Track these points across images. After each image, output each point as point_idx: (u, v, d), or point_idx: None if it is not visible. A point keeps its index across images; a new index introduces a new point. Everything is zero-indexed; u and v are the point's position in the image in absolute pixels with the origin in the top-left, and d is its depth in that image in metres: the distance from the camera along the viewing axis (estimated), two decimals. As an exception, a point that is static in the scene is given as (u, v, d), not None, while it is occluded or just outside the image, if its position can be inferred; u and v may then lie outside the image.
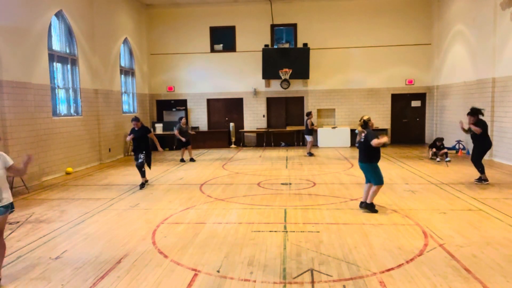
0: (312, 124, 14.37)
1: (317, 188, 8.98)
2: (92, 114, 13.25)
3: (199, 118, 18.56)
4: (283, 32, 18.32)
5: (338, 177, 10.25)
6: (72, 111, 12.40)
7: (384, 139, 6.68)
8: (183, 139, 13.45)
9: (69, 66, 12.21)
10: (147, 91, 18.18)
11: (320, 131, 17.16)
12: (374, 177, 6.79)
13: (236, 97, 18.37)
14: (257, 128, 18.36)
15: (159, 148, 10.26)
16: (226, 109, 18.67)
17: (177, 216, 6.89)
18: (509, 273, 4.38)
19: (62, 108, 11.98)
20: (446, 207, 7.12)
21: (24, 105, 9.74)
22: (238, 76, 18.14)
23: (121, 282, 4.37)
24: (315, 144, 16.75)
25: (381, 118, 17.66)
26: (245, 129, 18.40)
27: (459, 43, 14.76)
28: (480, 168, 8.97)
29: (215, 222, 6.47)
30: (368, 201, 6.88)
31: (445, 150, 12.61)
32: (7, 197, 4.40)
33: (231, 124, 18.03)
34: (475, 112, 8.81)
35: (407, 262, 4.72)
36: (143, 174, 9.47)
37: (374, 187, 6.82)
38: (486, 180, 8.98)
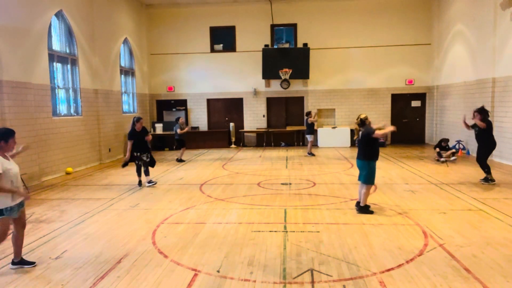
0: (314, 117, 14.36)
1: (317, 188, 8.98)
2: (92, 114, 13.25)
3: (199, 118, 18.55)
4: (283, 32, 18.32)
5: (338, 177, 10.25)
6: (72, 111, 12.40)
7: (389, 128, 6.60)
8: (189, 130, 13.17)
9: (69, 66, 12.21)
10: (147, 91, 18.18)
11: (320, 131, 17.17)
12: (366, 175, 6.68)
13: (236, 97, 18.37)
14: (257, 128, 18.36)
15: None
16: (226, 109, 18.66)
17: (177, 216, 6.89)
18: (509, 273, 4.38)
19: (62, 108, 11.99)
20: (446, 207, 7.12)
21: (24, 105, 9.74)
22: (238, 76, 18.14)
23: (121, 282, 4.37)
24: (315, 144, 16.74)
25: (381, 118, 17.62)
26: (245, 129, 18.39)
27: (459, 43, 14.76)
28: (486, 168, 8.95)
29: (215, 222, 6.47)
30: (361, 204, 6.81)
31: (453, 150, 12.59)
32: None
33: (231, 124, 18.03)
34: (483, 111, 8.83)
35: (407, 262, 4.72)
36: (146, 173, 9.53)
37: (364, 189, 6.72)
38: (492, 180, 8.92)
